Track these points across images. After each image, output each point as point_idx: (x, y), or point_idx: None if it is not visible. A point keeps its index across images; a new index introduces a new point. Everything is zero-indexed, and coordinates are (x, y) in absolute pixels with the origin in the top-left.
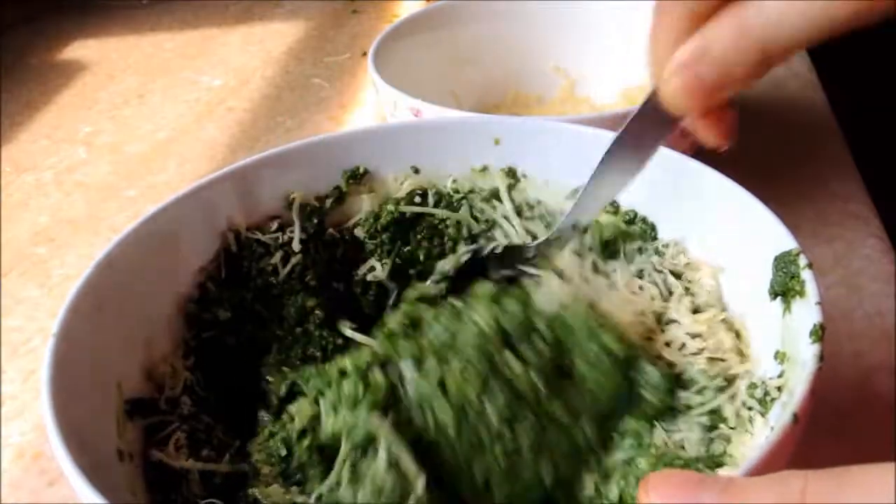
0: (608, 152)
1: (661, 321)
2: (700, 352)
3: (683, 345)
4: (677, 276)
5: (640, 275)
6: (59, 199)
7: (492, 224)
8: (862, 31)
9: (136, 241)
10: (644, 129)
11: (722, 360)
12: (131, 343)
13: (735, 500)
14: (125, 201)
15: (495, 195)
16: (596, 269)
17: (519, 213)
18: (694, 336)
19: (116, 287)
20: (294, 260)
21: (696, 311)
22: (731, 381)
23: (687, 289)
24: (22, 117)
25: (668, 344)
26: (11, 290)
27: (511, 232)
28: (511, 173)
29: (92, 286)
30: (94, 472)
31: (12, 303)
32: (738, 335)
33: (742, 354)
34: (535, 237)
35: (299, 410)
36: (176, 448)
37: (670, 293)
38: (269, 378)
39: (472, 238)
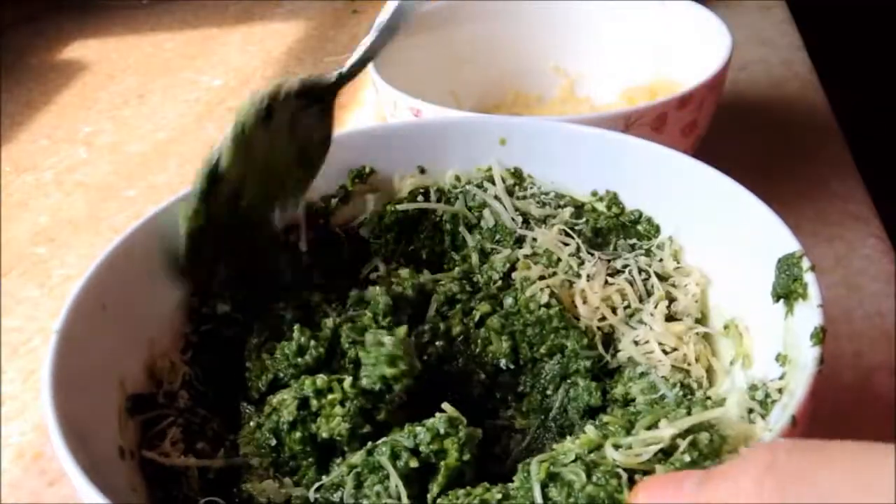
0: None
1: (631, 318)
2: (664, 356)
3: (649, 344)
4: (663, 278)
5: (620, 271)
6: (59, 199)
7: (482, 205)
8: (862, 32)
9: (139, 239)
10: None
11: (686, 370)
12: (134, 341)
13: (713, 482)
14: (125, 201)
15: (489, 179)
16: (578, 252)
17: (510, 193)
18: (661, 344)
19: (120, 286)
20: (302, 259)
21: (671, 318)
22: (690, 392)
23: (668, 293)
24: (22, 117)
25: (635, 342)
26: (11, 290)
27: (500, 210)
28: (516, 174)
29: (95, 285)
30: (94, 470)
31: (12, 303)
32: (712, 350)
33: (710, 370)
34: (526, 217)
35: (282, 402)
36: (172, 443)
37: (649, 294)
38: (249, 364)
39: (469, 227)
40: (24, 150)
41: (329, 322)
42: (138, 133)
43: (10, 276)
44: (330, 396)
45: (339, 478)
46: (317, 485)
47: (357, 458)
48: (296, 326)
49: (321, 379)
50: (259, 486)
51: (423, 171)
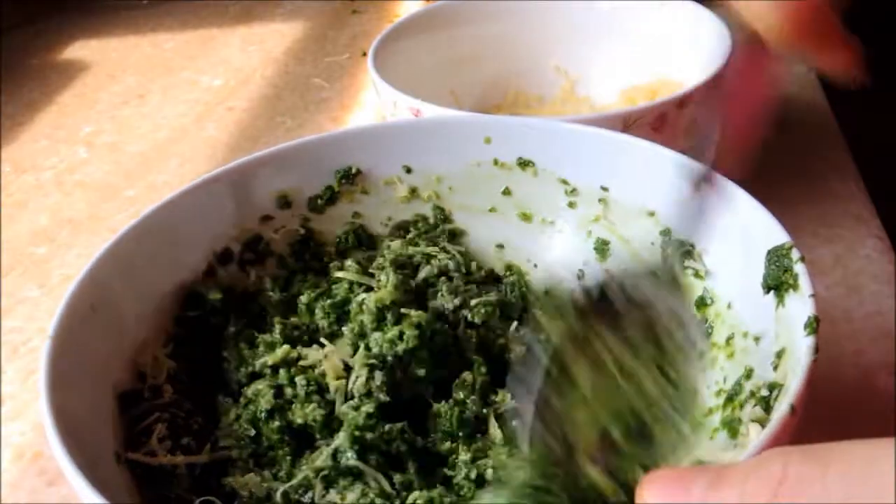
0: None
1: None
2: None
3: None
4: None
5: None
6: (59, 199)
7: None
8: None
9: (130, 241)
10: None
11: None
12: (121, 340)
13: (723, 488)
14: (125, 201)
15: None
16: None
17: None
18: None
19: (108, 286)
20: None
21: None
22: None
23: None
24: (22, 117)
25: None
26: (11, 290)
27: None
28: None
29: (85, 287)
30: (92, 471)
31: (12, 303)
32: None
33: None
34: None
35: (259, 392)
36: (158, 440)
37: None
38: (226, 354)
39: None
40: (24, 150)
41: (304, 298)
42: (138, 133)
43: (10, 276)
44: (302, 382)
45: (305, 480)
46: (282, 488)
47: (321, 461)
48: (276, 319)
49: (295, 368)
50: (241, 480)
51: (409, 170)
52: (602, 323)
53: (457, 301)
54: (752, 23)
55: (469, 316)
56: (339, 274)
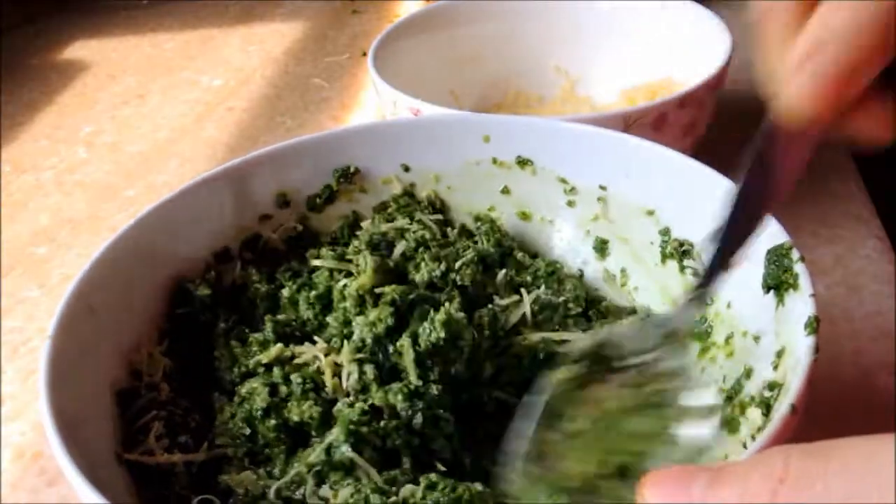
0: (736, 204)
1: None
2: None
3: None
4: None
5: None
6: (59, 199)
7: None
8: None
9: (128, 241)
10: (768, 163)
11: None
12: (119, 340)
13: (723, 486)
14: (125, 201)
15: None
16: None
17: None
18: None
19: (105, 287)
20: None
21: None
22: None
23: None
24: (22, 117)
25: None
26: (11, 290)
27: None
28: (522, 162)
29: (83, 288)
30: (92, 471)
31: (12, 303)
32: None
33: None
34: None
35: (253, 390)
36: (156, 438)
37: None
38: (217, 353)
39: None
40: (24, 150)
41: (286, 293)
42: (138, 133)
43: (10, 276)
44: (298, 380)
45: (298, 476)
46: (276, 485)
47: (314, 456)
48: (267, 317)
49: (289, 366)
50: (237, 478)
51: (407, 169)
52: (601, 378)
53: (442, 267)
54: (772, 100)
55: (458, 279)
56: (317, 262)
